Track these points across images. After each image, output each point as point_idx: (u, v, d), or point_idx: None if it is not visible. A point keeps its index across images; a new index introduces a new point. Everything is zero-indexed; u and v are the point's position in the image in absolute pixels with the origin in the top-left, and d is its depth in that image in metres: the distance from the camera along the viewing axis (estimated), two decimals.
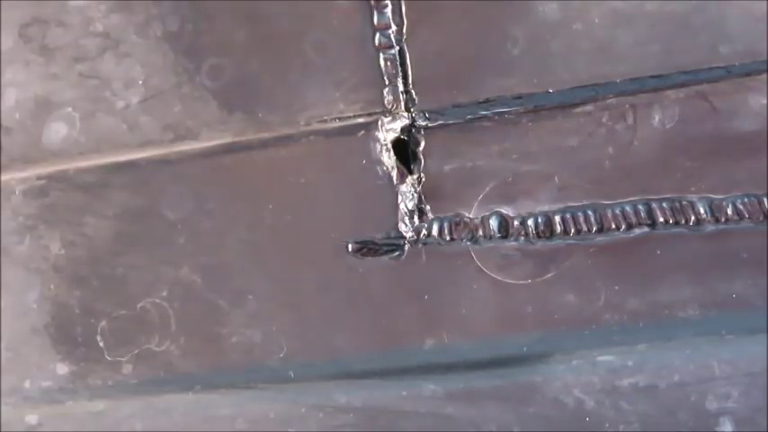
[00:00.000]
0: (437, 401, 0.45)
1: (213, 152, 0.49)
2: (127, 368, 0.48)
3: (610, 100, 0.44)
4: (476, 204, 0.45)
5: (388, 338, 0.46)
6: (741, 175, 0.42)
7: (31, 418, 0.50)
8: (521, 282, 0.44)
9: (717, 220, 0.42)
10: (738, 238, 0.42)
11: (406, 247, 0.45)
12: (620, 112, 0.43)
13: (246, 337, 0.47)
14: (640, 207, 0.43)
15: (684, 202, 0.42)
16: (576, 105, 0.44)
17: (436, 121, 0.46)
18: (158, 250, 0.48)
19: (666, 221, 0.42)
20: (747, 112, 0.42)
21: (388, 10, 0.46)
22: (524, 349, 0.44)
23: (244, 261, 0.48)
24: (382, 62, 0.46)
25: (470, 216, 0.45)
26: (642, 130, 0.43)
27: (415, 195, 0.46)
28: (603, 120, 0.44)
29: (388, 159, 0.46)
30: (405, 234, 0.45)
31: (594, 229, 0.43)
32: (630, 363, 0.43)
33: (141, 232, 0.49)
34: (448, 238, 0.45)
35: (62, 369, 0.49)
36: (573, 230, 0.43)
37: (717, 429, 0.41)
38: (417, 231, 0.45)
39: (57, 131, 0.51)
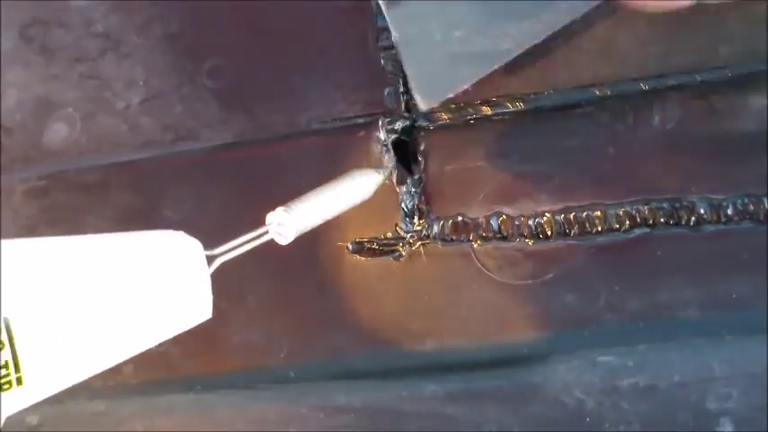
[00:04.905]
0: (437, 402, 0.45)
1: (213, 152, 0.49)
2: (127, 368, 0.48)
3: (610, 100, 0.44)
4: (476, 204, 0.45)
5: (388, 338, 0.46)
6: (741, 175, 0.42)
7: (32, 419, 0.50)
8: (521, 282, 0.44)
9: (717, 220, 0.42)
10: (738, 238, 0.41)
11: (406, 247, 0.45)
12: (620, 112, 0.43)
13: (246, 338, 0.47)
14: (640, 207, 0.43)
15: (684, 202, 0.42)
16: (576, 105, 0.44)
17: (436, 121, 0.46)
18: None
19: (666, 221, 0.42)
20: (747, 112, 0.42)
21: None
22: (524, 349, 0.44)
23: (244, 261, 0.47)
24: (382, 62, 0.46)
25: (470, 216, 0.45)
26: (642, 130, 0.43)
27: (416, 195, 0.46)
28: (603, 120, 0.44)
29: (389, 160, 0.46)
30: (405, 234, 0.45)
31: (594, 229, 0.43)
32: (630, 363, 0.43)
33: None
34: (448, 238, 0.45)
35: None
36: (573, 230, 0.43)
37: (717, 429, 0.41)
38: (417, 231, 0.45)
39: (57, 132, 0.51)
